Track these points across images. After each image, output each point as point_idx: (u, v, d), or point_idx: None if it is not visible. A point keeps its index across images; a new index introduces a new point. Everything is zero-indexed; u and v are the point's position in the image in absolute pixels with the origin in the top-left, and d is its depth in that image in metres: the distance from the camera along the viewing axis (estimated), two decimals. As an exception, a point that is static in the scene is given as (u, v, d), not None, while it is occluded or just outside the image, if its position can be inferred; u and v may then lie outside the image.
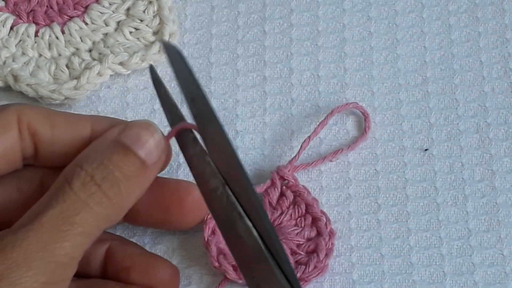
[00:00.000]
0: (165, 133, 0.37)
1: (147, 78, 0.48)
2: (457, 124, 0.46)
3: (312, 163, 0.44)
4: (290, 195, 0.43)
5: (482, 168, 0.45)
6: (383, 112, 0.46)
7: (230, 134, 0.46)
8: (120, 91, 0.48)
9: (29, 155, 0.38)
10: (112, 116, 0.43)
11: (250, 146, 0.46)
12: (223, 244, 0.41)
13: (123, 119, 0.46)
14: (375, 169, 0.45)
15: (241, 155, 0.46)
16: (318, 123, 0.45)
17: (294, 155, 0.44)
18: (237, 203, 0.35)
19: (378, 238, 0.43)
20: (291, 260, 0.42)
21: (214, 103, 0.47)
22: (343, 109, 0.46)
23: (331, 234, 0.42)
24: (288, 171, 0.43)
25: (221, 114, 0.47)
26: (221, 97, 0.48)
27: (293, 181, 0.43)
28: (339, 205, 0.44)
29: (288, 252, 0.42)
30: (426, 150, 0.45)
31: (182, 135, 0.37)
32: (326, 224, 0.42)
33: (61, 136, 0.37)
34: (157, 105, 0.47)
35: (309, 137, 0.44)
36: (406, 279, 0.42)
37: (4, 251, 0.32)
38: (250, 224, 0.35)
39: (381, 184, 0.44)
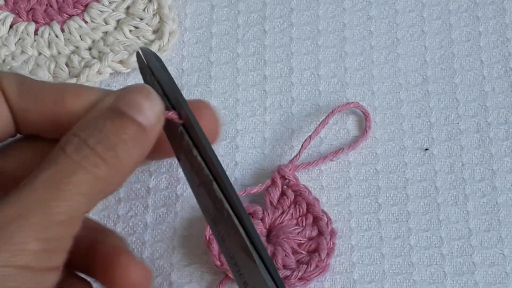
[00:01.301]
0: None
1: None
2: (458, 123, 0.46)
3: (313, 162, 0.44)
4: (291, 194, 0.43)
5: (482, 167, 0.45)
6: (383, 112, 0.46)
7: (230, 133, 0.46)
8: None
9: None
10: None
11: (250, 145, 0.46)
12: None
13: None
14: (376, 169, 0.45)
15: (241, 154, 0.46)
16: (318, 123, 0.45)
17: (295, 154, 0.44)
18: (224, 199, 0.35)
19: (379, 238, 0.43)
20: (293, 259, 0.42)
21: (214, 102, 0.47)
22: (344, 109, 0.46)
23: (332, 233, 0.42)
24: (289, 170, 0.43)
25: (221, 113, 0.47)
26: (221, 96, 0.47)
27: (294, 180, 0.43)
28: (340, 205, 0.44)
29: (289, 251, 0.42)
30: (426, 149, 0.45)
31: (170, 129, 0.36)
32: (327, 223, 0.42)
33: (27, 104, 0.36)
34: (157, 104, 0.47)
35: (309, 136, 0.44)
36: (407, 279, 0.42)
37: (1, 209, 0.32)
38: (237, 222, 0.35)
39: (381, 183, 0.44)
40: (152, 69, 0.36)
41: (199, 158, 0.35)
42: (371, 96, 0.47)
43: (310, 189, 0.44)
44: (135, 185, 0.45)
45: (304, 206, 0.43)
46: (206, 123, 0.36)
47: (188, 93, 0.48)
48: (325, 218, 0.43)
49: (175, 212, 0.44)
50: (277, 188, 0.43)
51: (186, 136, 0.36)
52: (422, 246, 0.43)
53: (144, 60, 0.37)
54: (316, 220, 0.43)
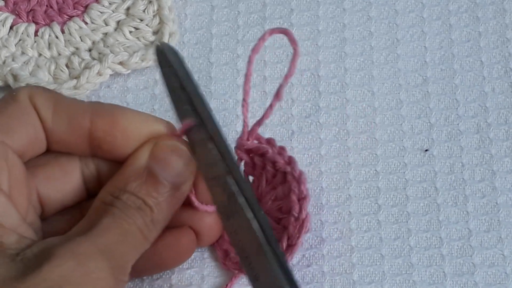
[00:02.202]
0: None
1: (147, 77, 0.48)
2: (458, 124, 0.46)
3: (263, 116, 0.39)
4: (258, 160, 0.41)
5: (482, 168, 0.44)
6: (383, 113, 0.46)
7: (230, 135, 0.46)
8: (120, 91, 0.48)
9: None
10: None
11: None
12: (226, 246, 0.42)
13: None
14: (376, 170, 0.45)
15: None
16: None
17: (243, 127, 0.40)
18: (240, 193, 0.35)
19: (379, 239, 0.43)
20: (278, 229, 0.41)
21: (214, 103, 0.47)
22: (260, 46, 0.39)
23: (300, 180, 0.40)
24: (246, 139, 0.40)
25: (221, 115, 0.47)
26: (221, 98, 0.47)
27: (255, 145, 0.41)
28: (340, 206, 0.44)
29: (274, 222, 0.41)
30: (426, 150, 0.45)
31: (186, 121, 0.37)
32: (292, 173, 0.40)
33: (60, 123, 0.37)
34: (157, 105, 0.47)
35: (244, 100, 0.39)
36: (407, 280, 0.42)
37: None
38: (251, 215, 0.35)
39: (381, 184, 0.44)
40: (171, 62, 0.37)
41: (214, 151, 0.36)
42: (371, 97, 0.47)
43: (275, 143, 0.41)
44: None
45: (270, 165, 0.41)
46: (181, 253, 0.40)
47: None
48: (289, 168, 0.40)
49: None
50: (247, 163, 0.42)
51: (202, 130, 0.36)
52: (422, 247, 0.43)
53: (165, 54, 0.37)
54: (284, 175, 0.41)
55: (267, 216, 0.37)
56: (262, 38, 0.38)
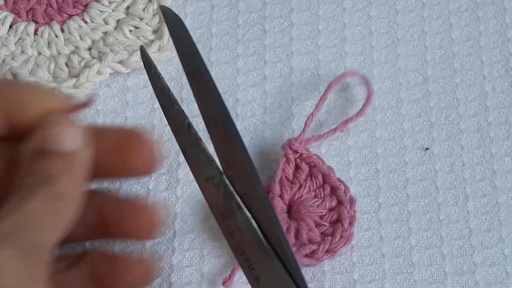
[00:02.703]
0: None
1: (147, 77, 0.48)
2: (458, 123, 0.46)
3: (324, 134, 0.44)
4: (305, 167, 0.43)
5: (483, 167, 0.44)
6: (383, 111, 0.46)
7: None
8: (119, 90, 0.48)
9: None
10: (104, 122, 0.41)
11: (250, 146, 0.46)
12: None
13: (123, 118, 0.46)
14: (376, 168, 0.45)
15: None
16: (318, 99, 0.45)
17: (300, 132, 0.44)
18: (234, 192, 0.35)
19: (379, 238, 0.43)
20: (317, 233, 0.42)
21: (214, 102, 0.47)
22: (343, 79, 0.46)
23: (352, 201, 0.43)
24: (299, 143, 0.43)
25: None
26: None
27: (306, 152, 0.43)
28: (340, 204, 0.44)
29: (312, 225, 0.42)
30: (426, 149, 0.45)
31: (176, 122, 0.36)
32: (345, 191, 0.43)
33: None
34: (157, 104, 0.47)
35: (311, 114, 0.44)
36: (407, 279, 0.42)
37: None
38: (249, 214, 0.34)
39: (381, 183, 0.44)
40: (174, 34, 0.36)
41: (207, 152, 0.35)
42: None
43: (323, 159, 0.44)
44: (135, 186, 0.45)
45: (320, 177, 0.43)
46: (137, 155, 0.35)
47: (189, 94, 0.47)
48: (343, 187, 0.43)
49: (175, 213, 0.44)
50: (290, 163, 0.43)
51: (193, 129, 0.36)
52: (422, 246, 0.42)
53: (147, 56, 0.37)
54: (333, 189, 0.43)
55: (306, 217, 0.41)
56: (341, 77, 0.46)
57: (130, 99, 0.47)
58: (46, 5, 0.49)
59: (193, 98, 0.47)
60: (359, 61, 0.48)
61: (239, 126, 0.46)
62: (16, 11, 0.49)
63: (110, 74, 0.47)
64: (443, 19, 0.49)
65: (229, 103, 0.47)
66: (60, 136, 0.34)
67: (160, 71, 0.47)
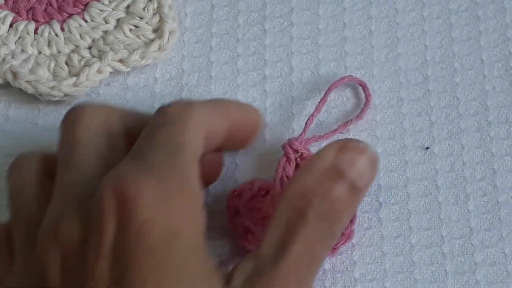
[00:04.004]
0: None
1: (147, 76, 0.48)
2: (458, 122, 0.46)
3: (324, 135, 0.44)
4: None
5: (483, 166, 0.44)
6: (384, 111, 0.46)
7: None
8: (120, 89, 0.48)
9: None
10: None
11: (250, 146, 0.46)
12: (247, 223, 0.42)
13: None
14: (376, 167, 0.45)
15: (241, 156, 0.45)
16: (318, 101, 0.45)
17: (300, 132, 0.44)
18: None
19: (380, 236, 0.43)
20: None
21: (214, 101, 0.47)
22: (340, 84, 0.46)
23: None
24: (300, 143, 0.43)
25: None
26: (221, 96, 0.47)
27: (306, 152, 0.43)
28: (341, 203, 0.44)
29: None
30: (427, 148, 0.45)
31: None
32: None
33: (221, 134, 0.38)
34: (157, 103, 0.47)
35: (312, 115, 0.44)
36: (408, 278, 0.42)
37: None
38: None
39: (382, 182, 0.44)
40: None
41: None
42: (371, 95, 0.47)
43: None
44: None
45: None
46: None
47: (189, 94, 0.47)
48: None
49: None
50: (291, 162, 0.43)
51: None
52: (423, 245, 0.42)
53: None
54: None
55: None
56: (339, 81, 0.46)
57: (130, 98, 0.47)
58: (46, 4, 0.49)
59: (194, 98, 0.47)
60: (359, 60, 0.48)
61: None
62: (16, 10, 0.49)
63: (110, 72, 0.47)
64: (443, 18, 0.49)
65: (229, 102, 0.47)
66: (363, 171, 0.36)
67: (160, 71, 0.48)
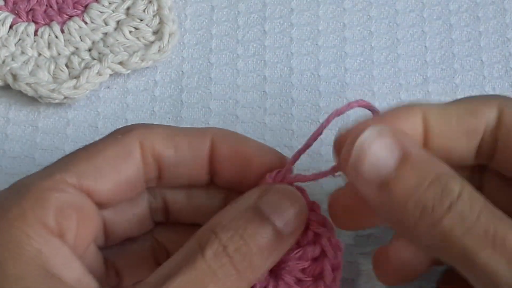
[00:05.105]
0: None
1: (147, 79, 0.48)
2: (458, 124, 0.46)
3: (310, 176, 0.37)
4: None
5: (483, 168, 0.44)
6: (383, 112, 0.46)
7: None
8: (120, 92, 0.48)
9: (153, 178, 0.37)
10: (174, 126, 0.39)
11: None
12: None
13: (123, 121, 0.46)
14: (376, 169, 0.45)
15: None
16: (318, 125, 0.38)
17: (285, 167, 0.37)
18: None
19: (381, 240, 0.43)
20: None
21: (214, 104, 0.47)
22: (345, 110, 0.37)
23: (337, 248, 0.37)
24: (280, 179, 0.37)
25: (221, 116, 0.46)
26: (221, 98, 0.47)
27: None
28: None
29: (292, 282, 0.37)
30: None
31: None
32: (329, 238, 0.37)
33: (184, 156, 0.37)
34: (157, 107, 0.47)
35: (298, 151, 0.37)
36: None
37: None
38: None
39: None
40: None
41: None
42: (371, 97, 0.47)
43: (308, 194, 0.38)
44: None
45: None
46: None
47: (188, 95, 0.47)
48: (326, 233, 0.37)
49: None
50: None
51: None
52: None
53: None
54: (316, 236, 0.37)
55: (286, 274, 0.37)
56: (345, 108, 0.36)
57: (130, 102, 0.47)
58: (46, 5, 0.49)
59: (193, 101, 0.47)
60: (359, 61, 0.48)
61: (238, 128, 0.46)
62: (16, 12, 0.49)
63: (110, 75, 0.47)
64: (443, 19, 0.49)
65: (229, 104, 0.47)
66: (285, 212, 0.35)
67: (160, 73, 0.48)
